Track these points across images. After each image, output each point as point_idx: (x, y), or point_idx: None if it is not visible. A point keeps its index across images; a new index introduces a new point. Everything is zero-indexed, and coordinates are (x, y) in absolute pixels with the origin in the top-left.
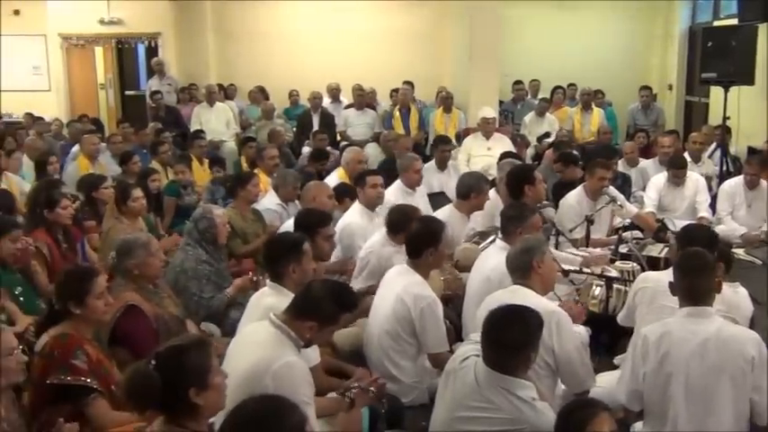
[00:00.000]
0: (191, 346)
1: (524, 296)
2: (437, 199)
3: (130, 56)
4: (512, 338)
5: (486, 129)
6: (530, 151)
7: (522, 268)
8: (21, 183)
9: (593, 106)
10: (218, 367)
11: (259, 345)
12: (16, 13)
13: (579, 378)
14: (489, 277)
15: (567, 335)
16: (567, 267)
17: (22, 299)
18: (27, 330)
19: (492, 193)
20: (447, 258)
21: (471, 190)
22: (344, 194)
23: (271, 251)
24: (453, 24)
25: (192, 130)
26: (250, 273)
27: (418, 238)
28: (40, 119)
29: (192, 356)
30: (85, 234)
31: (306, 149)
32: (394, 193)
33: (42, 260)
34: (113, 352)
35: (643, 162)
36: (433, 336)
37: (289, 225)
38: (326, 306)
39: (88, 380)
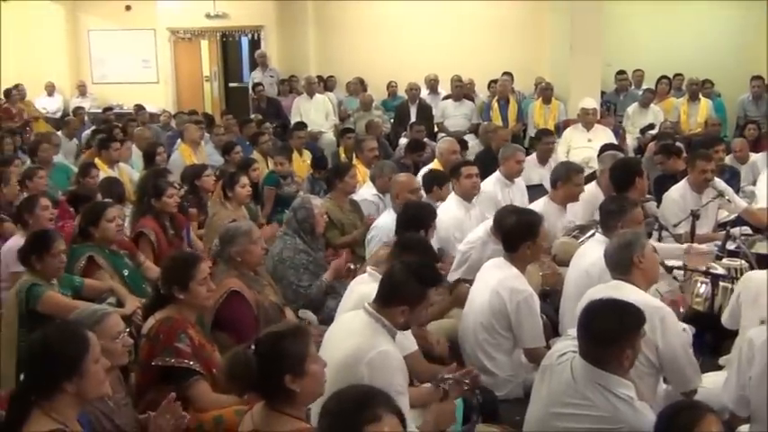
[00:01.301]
0: (288, 333)
1: (627, 292)
2: (536, 191)
3: (234, 49)
4: (606, 331)
5: (587, 120)
6: (632, 143)
7: (623, 264)
8: (131, 172)
9: (701, 97)
10: (316, 355)
11: (354, 333)
12: (128, 8)
13: (686, 377)
14: (588, 272)
15: (671, 331)
16: (670, 264)
17: (128, 280)
18: (135, 313)
19: (593, 186)
20: (545, 252)
21: (558, 178)
22: (431, 183)
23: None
24: (553, 13)
25: (292, 121)
26: (344, 254)
27: (515, 231)
28: (144, 109)
29: (288, 344)
30: (190, 221)
31: (403, 141)
32: (492, 184)
33: (149, 246)
34: (215, 336)
35: (753, 156)
36: (529, 331)
37: (386, 217)
38: (411, 287)
39: (191, 363)
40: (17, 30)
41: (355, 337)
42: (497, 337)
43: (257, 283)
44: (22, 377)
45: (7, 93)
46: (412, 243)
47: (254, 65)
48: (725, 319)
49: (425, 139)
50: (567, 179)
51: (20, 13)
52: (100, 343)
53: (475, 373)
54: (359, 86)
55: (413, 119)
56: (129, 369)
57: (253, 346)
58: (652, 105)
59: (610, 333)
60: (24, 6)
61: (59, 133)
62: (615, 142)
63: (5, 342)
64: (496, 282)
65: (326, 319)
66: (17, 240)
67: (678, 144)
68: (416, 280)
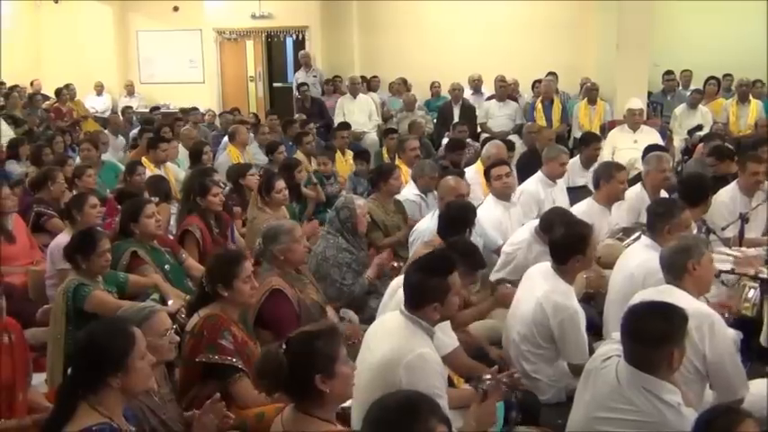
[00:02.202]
0: (320, 334)
1: (676, 297)
2: (579, 192)
3: (279, 49)
4: (652, 332)
5: (633, 121)
6: (679, 144)
7: (676, 268)
8: (177, 170)
9: (751, 98)
10: (347, 357)
11: (392, 335)
12: (175, 9)
13: (732, 386)
14: (633, 274)
15: (720, 340)
16: (718, 267)
17: (170, 276)
18: (179, 311)
19: (638, 187)
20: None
21: (600, 177)
22: None
23: None
24: (599, 12)
25: (336, 121)
26: (387, 252)
27: (564, 244)
28: (195, 109)
29: (320, 344)
30: (234, 219)
31: (446, 141)
32: (535, 184)
33: (195, 244)
34: (258, 334)
35: None
36: (572, 346)
37: (428, 221)
38: (431, 284)
39: (234, 360)
40: (67, 30)
41: (393, 339)
42: (540, 349)
43: (299, 281)
44: (69, 371)
45: (58, 92)
46: (460, 247)
47: (298, 65)
48: (763, 338)
49: (468, 140)
50: (610, 176)
51: (70, 14)
52: (147, 339)
53: (516, 375)
54: (402, 87)
55: (456, 119)
56: (173, 365)
57: (284, 346)
58: (700, 106)
59: (657, 333)
60: (75, 7)
61: (107, 131)
62: (662, 143)
63: (54, 339)
64: (542, 293)
65: (368, 319)
66: (64, 237)
67: (729, 146)
68: (433, 275)
